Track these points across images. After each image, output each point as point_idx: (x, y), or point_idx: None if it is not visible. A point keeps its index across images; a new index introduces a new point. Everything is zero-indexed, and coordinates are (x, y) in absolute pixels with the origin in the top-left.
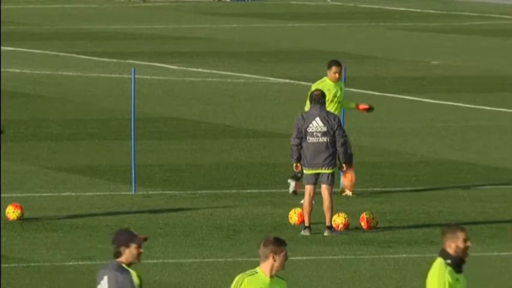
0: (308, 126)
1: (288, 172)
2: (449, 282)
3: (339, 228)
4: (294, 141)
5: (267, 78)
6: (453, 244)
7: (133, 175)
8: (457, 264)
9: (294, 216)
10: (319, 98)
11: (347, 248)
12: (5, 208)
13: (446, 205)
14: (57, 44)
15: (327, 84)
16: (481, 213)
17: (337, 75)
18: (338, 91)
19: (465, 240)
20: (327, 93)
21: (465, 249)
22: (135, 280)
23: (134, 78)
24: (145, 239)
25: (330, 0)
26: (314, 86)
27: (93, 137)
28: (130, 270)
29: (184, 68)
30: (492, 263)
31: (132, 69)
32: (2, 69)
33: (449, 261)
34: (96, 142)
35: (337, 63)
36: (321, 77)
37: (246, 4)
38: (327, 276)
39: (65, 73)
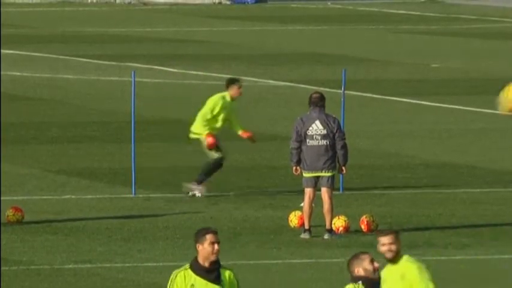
0: (308, 129)
1: (288, 175)
2: None
3: (339, 231)
4: (293, 144)
5: (267, 81)
6: (360, 268)
7: (133, 178)
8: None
9: (294, 219)
10: (318, 101)
11: (347, 250)
12: (5, 211)
13: (446, 208)
14: (57, 47)
15: (226, 102)
16: (481, 215)
17: (241, 90)
18: (232, 111)
19: (372, 262)
20: (223, 112)
21: (374, 270)
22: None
23: (134, 81)
24: None
25: (330, 3)
26: (212, 102)
27: (93, 140)
28: None
29: (184, 71)
30: (493, 266)
31: (132, 72)
32: (2, 72)
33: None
34: (96, 145)
35: (239, 80)
36: (319, 80)
37: (246, 7)
38: (327, 279)
39: (65, 76)
